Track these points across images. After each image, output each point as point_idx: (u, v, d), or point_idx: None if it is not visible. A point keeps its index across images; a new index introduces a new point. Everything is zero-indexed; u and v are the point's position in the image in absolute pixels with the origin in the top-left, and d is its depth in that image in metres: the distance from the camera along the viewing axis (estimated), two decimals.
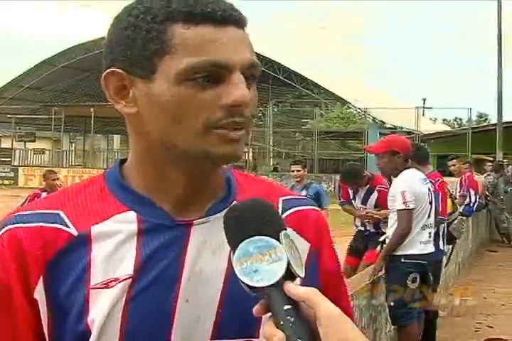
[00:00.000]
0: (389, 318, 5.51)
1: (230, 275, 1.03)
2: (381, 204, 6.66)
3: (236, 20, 1.02)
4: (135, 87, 1.03)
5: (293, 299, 0.88)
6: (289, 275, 0.90)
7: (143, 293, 1.03)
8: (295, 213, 1.18)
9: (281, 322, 0.86)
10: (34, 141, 39.22)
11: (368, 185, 7.00)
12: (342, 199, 7.55)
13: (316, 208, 1.24)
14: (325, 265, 1.19)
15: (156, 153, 1.05)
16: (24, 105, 39.51)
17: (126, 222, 1.06)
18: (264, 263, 0.89)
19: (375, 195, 7.01)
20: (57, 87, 41.37)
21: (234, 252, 0.92)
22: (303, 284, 0.92)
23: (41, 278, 1.03)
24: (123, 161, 1.14)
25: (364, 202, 7.04)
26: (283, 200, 1.18)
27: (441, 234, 6.50)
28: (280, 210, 1.15)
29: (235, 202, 1.09)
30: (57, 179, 8.64)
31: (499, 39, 24.82)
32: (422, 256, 5.26)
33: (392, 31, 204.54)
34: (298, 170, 8.06)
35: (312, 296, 0.88)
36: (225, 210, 0.99)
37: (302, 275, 0.92)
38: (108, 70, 1.04)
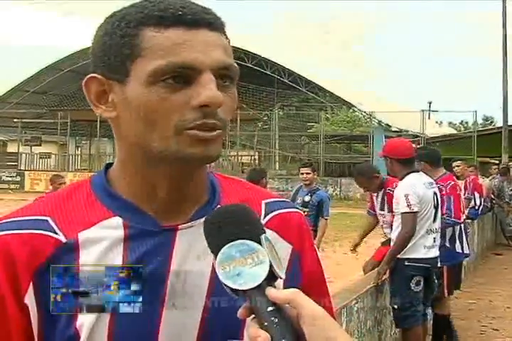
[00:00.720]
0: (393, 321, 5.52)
1: (215, 279, 1.04)
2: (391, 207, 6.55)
3: (209, 23, 1.03)
4: (113, 92, 1.05)
5: None
6: (271, 277, 0.91)
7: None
8: (278, 216, 1.19)
9: (266, 323, 0.87)
10: (40, 145, 39.22)
11: (382, 189, 6.90)
12: (368, 209, 7.39)
13: (299, 211, 1.25)
14: (307, 265, 1.20)
15: (138, 156, 1.07)
16: (30, 109, 39.62)
17: (113, 228, 1.07)
18: (247, 267, 0.91)
19: (385, 199, 6.92)
20: (63, 91, 41.45)
21: (215, 256, 0.93)
22: (285, 284, 0.94)
23: (31, 284, 1.03)
24: (109, 165, 1.15)
25: (382, 207, 6.92)
26: (266, 203, 1.20)
27: (457, 235, 6.48)
28: (263, 213, 1.17)
29: (218, 206, 1.10)
30: (64, 183, 8.64)
31: (504, 41, 24.76)
32: (425, 259, 5.26)
33: (392, 32, 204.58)
34: (307, 173, 7.86)
35: (296, 297, 0.89)
36: None
37: (283, 276, 0.93)
38: (89, 76, 1.07)
